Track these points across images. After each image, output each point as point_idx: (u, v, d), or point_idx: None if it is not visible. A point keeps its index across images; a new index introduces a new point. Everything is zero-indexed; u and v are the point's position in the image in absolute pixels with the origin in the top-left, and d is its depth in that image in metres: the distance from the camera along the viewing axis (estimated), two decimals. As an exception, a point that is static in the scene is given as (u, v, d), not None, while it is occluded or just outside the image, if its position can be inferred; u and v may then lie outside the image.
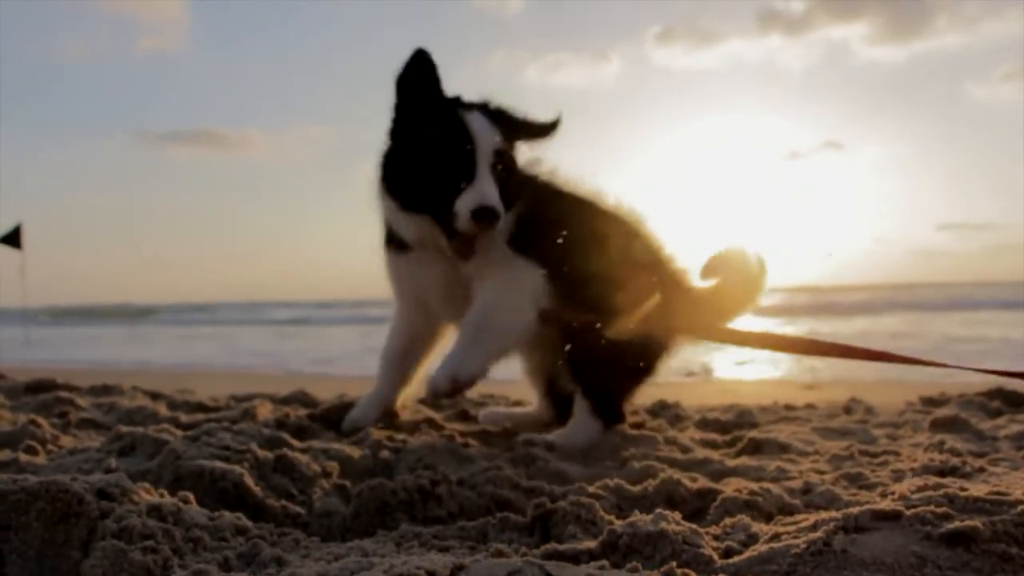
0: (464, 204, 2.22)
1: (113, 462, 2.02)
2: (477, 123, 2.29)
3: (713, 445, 2.62)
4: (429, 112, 2.32)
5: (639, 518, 1.43)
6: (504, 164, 2.32)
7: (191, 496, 1.69)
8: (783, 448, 2.50)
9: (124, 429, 2.28)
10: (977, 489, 1.55)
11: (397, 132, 2.40)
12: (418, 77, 2.33)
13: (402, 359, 2.75)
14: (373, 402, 2.76)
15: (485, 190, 2.22)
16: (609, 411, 2.56)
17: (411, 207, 2.37)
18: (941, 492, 1.49)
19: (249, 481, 1.85)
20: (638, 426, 2.81)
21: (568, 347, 2.49)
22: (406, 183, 2.37)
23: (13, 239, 12.91)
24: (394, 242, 2.54)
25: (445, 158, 2.27)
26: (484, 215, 2.20)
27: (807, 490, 1.91)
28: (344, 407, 2.84)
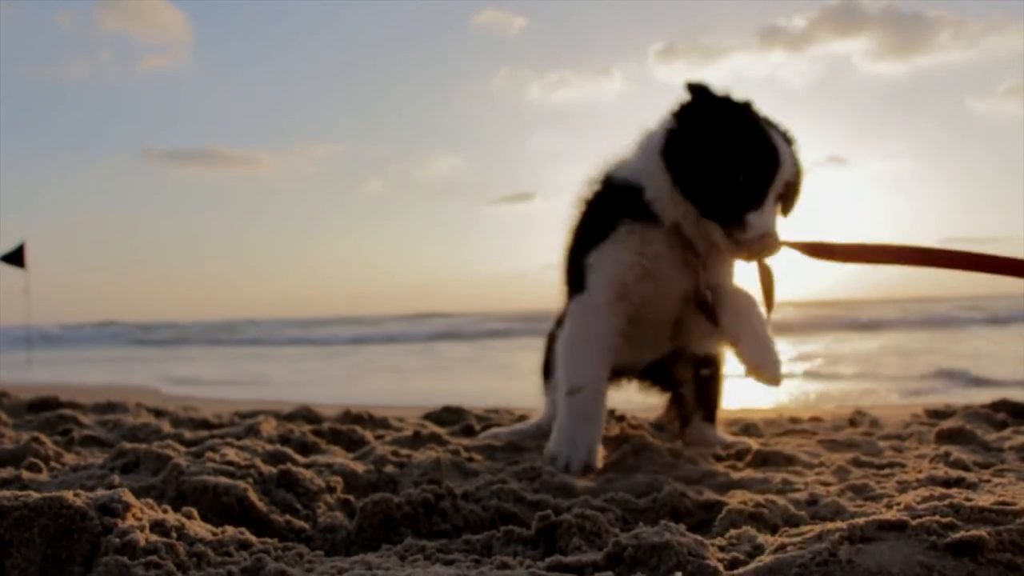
0: (757, 223, 2.37)
1: (116, 478, 2.02)
2: (783, 149, 2.42)
3: (718, 458, 2.61)
4: (738, 124, 2.41)
5: (644, 530, 1.42)
6: (787, 194, 2.50)
7: (195, 512, 1.69)
8: (788, 460, 2.49)
9: (127, 445, 2.27)
10: (983, 499, 1.54)
11: (702, 138, 2.42)
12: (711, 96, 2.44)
13: None
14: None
15: (772, 218, 2.42)
16: (715, 419, 3.02)
17: (707, 214, 2.44)
18: (946, 502, 1.48)
19: (253, 496, 1.85)
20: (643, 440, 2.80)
21: (698, 373, 2.94)
22: (707, 191, 2.42)
23: (16, 258, 12.93)
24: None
25: (752, 176, 2.39)
26: (769, 242, 2.41)
27: (813, 502, 1.90)
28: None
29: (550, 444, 2.48)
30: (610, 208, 2.57)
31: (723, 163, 2.37)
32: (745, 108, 2.45)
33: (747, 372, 2.45)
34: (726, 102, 2.44)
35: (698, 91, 2.45)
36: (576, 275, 2.62)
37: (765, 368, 2.36)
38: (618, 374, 2.89)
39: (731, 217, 2.38)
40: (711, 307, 2.53)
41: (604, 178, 2.65)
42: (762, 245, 2.40)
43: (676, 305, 2.60)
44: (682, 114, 2.47)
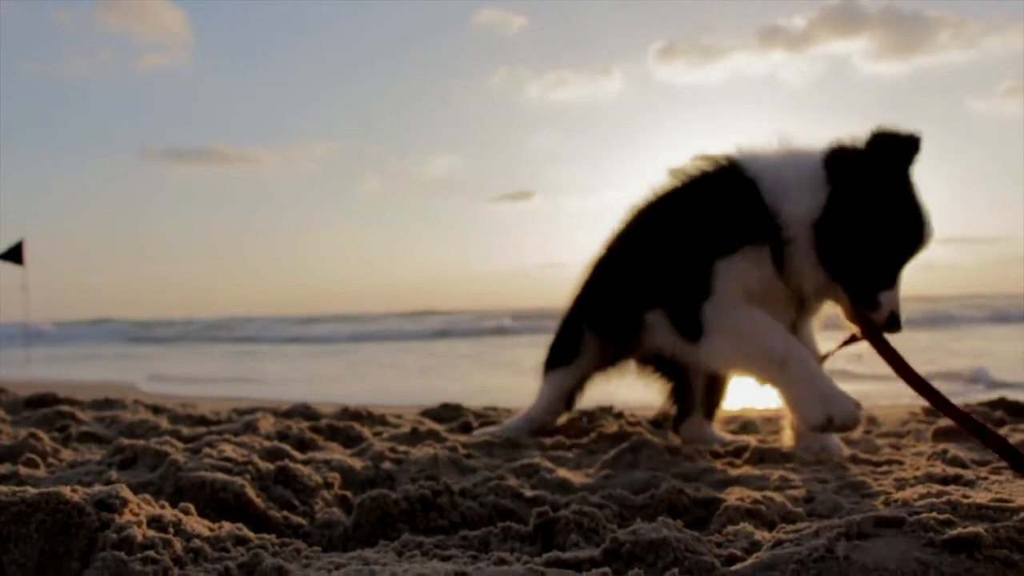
0: (888, 303, 2.30)
1: (114, 474, 2.02)
2: (931, 226, 2.31)
3: (716, 455, 2.61)
4: (903, 199, 2.30)
5: (641, 526, 1.42)
6: None
7: (192, 507, 1.68)
8: (786, 457, 2.49)
9: (125, 442, 2.27)
10: (980, 496, 1.54)
11: (862, 213, 2.28)
12: (900, 161, 2.30)
13: None
14: None
15: (899, 296, 2.32)
16: (714, 416, 3.05)
17: (839, 280, 2.34)
18: (944, 499, 1.49)
19: (251, 492, 1.85)
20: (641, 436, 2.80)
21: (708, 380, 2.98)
22: (846, 260, 2.31)
23: (15, 255, 12.90)
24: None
25: (900, 256, 2.31)
26: (895, 326, 2.31)
27: (810, 499, 1.90)
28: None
29: (808, 415, 2.19)
30: (746, 215, 2.40)
31: (878, 244, 2.28)
32: (909, 179, 2.32)
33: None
34: (894, 167, 2.30)
35: (879, 147, 2.30)
36: (690, 269, 2.48)
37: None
38: (628, 354, 2.93)
39: (866, 295, 2.31)
40: None
41: (744, 175, 2.45)
42: (884, 324, 2.31)
43: None
44: (848, 170, 2.31)
